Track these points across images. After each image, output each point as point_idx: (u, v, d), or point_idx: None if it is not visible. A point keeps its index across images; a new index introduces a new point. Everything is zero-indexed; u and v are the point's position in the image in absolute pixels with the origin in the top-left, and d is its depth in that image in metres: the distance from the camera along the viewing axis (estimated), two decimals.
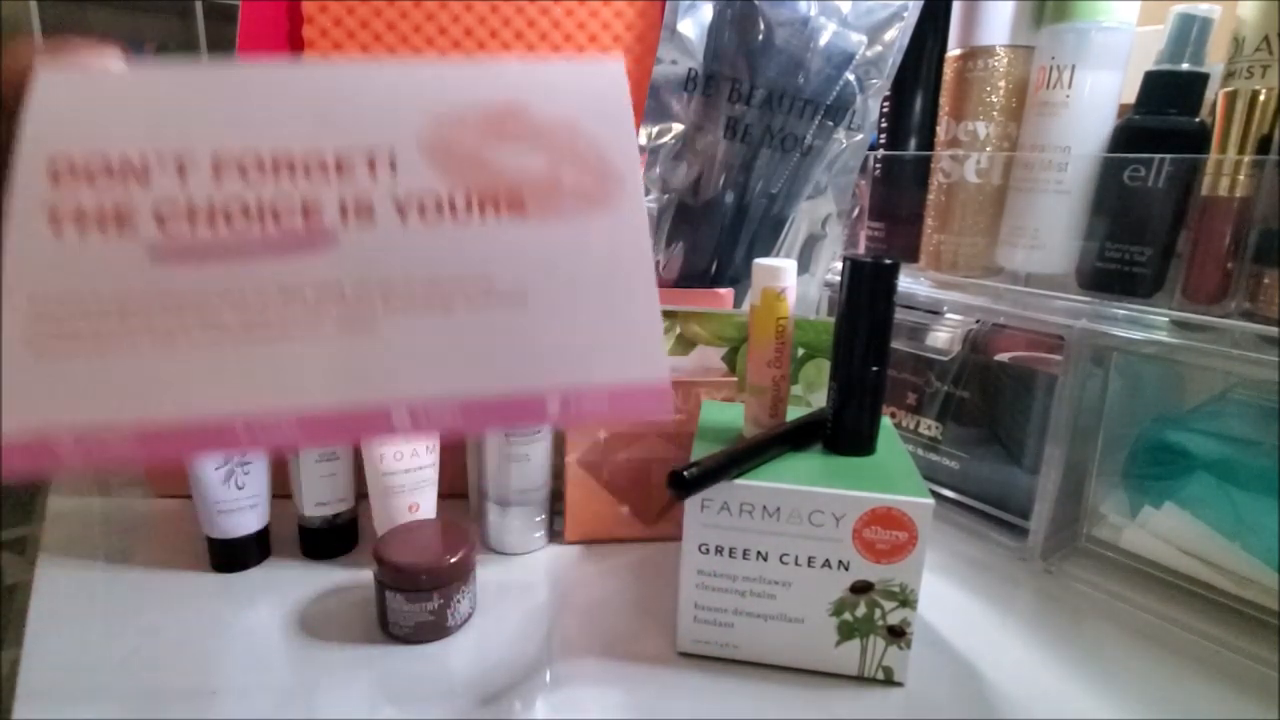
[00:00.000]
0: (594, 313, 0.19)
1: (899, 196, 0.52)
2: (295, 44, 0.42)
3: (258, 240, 0.18)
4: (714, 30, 0.46)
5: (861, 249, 0.56)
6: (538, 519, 0.42)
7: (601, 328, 0.19)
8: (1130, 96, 0.42)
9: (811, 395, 0.46)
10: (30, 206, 0.17)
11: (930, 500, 0.30)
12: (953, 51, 0.48)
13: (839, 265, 0.38)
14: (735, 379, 0.43)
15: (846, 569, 0.31)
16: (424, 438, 0.24)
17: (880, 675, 0.32)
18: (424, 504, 0.40)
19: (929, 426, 0.49)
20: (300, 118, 0.19)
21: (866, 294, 0.32)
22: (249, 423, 0.17)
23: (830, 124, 0.49)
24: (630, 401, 0.19)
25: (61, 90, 0.18)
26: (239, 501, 0.38)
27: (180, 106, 0.18)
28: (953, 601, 0.39)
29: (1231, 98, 0.37)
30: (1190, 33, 0.39)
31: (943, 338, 0.48)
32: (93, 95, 0.18)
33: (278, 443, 0.18)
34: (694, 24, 0.46)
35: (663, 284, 0.51)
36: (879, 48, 0.48)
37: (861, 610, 0.32)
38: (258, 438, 0.17)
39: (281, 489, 0.40)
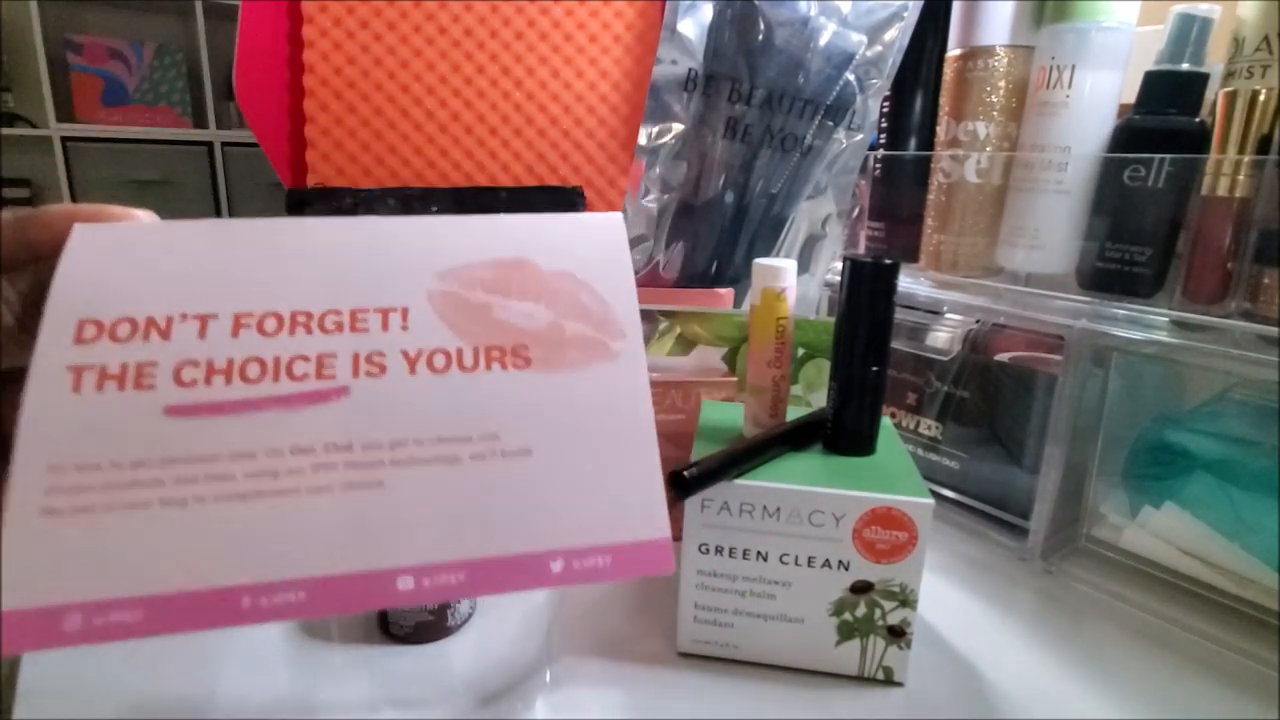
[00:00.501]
0: (596, 470, 0.20)
1: (899, 196, 0.52)
2: (295, 44, 0.42)
3: (271, 395, 0.18)
4: (714, 30, 0.46)
5: (861, 249, 0.56)
6: None
7: (603, 486, 0.19)
8: (1130, 96, 0.42)
9: (811, 395, 0.46)
10: (53, 366, 0.17)
11: (930, 500, 0.30)
12: (953, 51, 0.48)
13: (839, 265, 0.38)
14: (735, 379, 0.43)
15: (846, 569, 0.31)
16: (427, 602, 0.26)
17: (880, 675, 0.32)
18: None
19: (929, 426, 0.49)
20: (318, 276, 0.19)
21: (866, 294, 0.32)
22: (255, 592, 0.17)
23: (830, 124, 0.49)
24: (632, 558, 0.19)
25: (93, 246, 0.18)
26: None
27: (205, 266, 0.19)
28: (953, 601, 0.39)
29: (1231, 98, 0.37)
30: (1190, 33, 0.39)
31: (943, 338, 0.48)
32: (123, 253, 0.19)
33: (281, 614, 0.17)
34: (694, 24, 0.46)
35: (663, 284, 0.51)
36: (879, 48, 0.48)
37: (861, 610, 0.32)
38: (262, 609, 0.17)
39: None
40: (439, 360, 0.19)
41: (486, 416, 0.19)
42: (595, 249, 0.21)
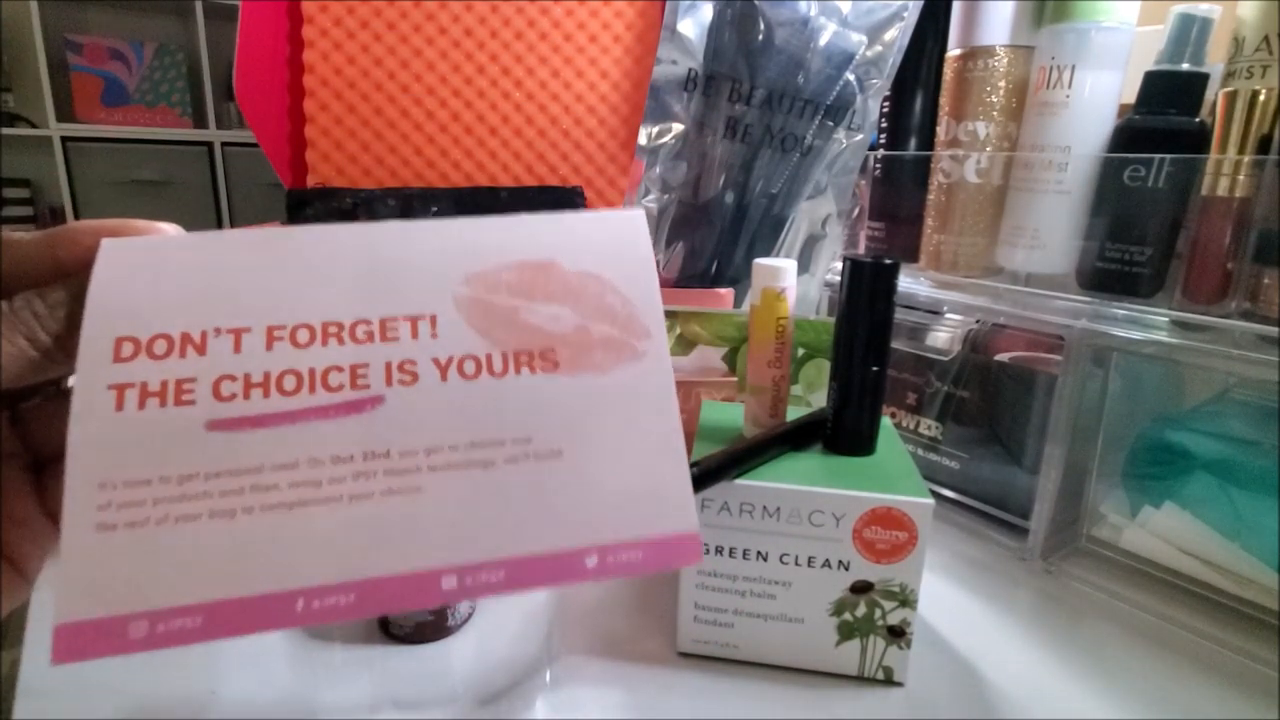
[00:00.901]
0: (626, 468, 0.20)
1: (899, 196, 0.52)
2: (295, 44, 0.42)
3: (308, 407, 0.19)
4: (714, 30, 0.46)
5: (861, 249, 0.56)
6: None
7: (633, 483, 0.20)
8: (1130, 96, 0.42)
9: (811, 395, 0.46)
10: (95, 385, 0.18)
11: (930, 500, 0.30)
12: (953, 51, 0.48)
13: (839, 265, 0.38)
14: (735, 379, 0.43)
15: (846, 569, 0.31)
16: (468, 599, 0.25)
17: (880, 675, 0.32)
18: None
19: (929, 426, 0.49)
20: (346, 286, 0.20)
21: (866, 294, 0.32)
22: (308, 595, 0.18)
23: (830, 124, 0.49)
24: (664, 552, 0.20)
25: (123, 261, 0.19)
26: None
27: (234, 279, 0.19)
28: (953, 601, 0.39)
29: (1231, 98, 0.37)
30: (1190, 33, 0.39)
31: (943, 338, 0.48)
32: (153, 268, 0.19)
33: (332, 615, 0.18)
34: (694, 24, 0.46)
35: (663, 284, 0.51)
36: (879, 48, 0.48)
37: (861, 610, 0.32)
38: (314, 611, 0.18)
39: None
40: (469, 366, 0.20)
41: (518, 421, 0.20)
42: (618, 247, 0.22)
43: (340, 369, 0.19)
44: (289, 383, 0.19)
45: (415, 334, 0.20)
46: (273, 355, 0.19)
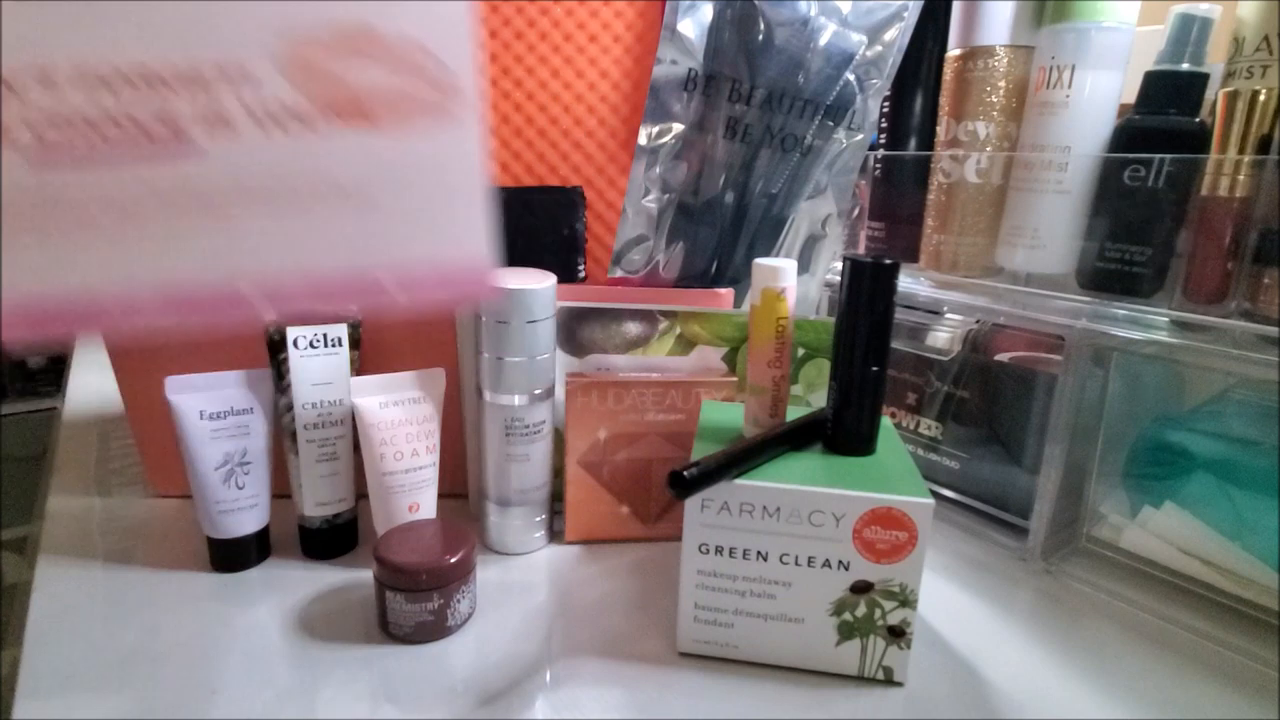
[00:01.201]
0: (429, 208, 0.24)
1: (899, 196, 0.52)
2: None
3: (129, 150, 0.21)
4: (714, 30, 0.46)
5: (861, 249, 0.56)
6: (538, 519, 0.42)
7: (433, 219, 0.24)
8: (1130, 96, 0.42)
9: (811, 395, 0.46)
10: None
11: (930, 500, 0.30)
12: (953, 51, 0.48)
13: (839, 265, 0.38)
14: (735, 379, 0.43)
15: (846, 569, 0.31)
16: (281, 312, 0.27)
17: (880, 675, 0.32)
18: (424, 504, 0.40)
19: (929, 426, 0.49)
20: (157, 34, 0.21)
21: (866, 294, 0.32)
22: (116, 300, 0.20)
23: (830, 124, 0.49)
24: (457, 281, 0.24)
25: None
26: (239, 501, 0.38)
27: (42, 23, 0.21)
28: (953, 601, 0.39)
29: (1231, 98, 0.37)
30: (1190, 33, 0.39)
31: (943, 338, 0.48)
32: None
33: (140, 320, 0.21)
34: (694, 24, 0.46)
35: (663, 284, 0.51)
36: (879, 48, 0.48)
37: (861, 610, 0.32)
38: (117, 317, 0.21)
39: (281, 489, 0.40)
40: (288, 121, 0.22)
41: (333, 172, 0.23)
42: (437, 15, 0.23)
43: (156, 116, 0.21)
44: (108, 127, 0.21)
45: (233, 86, 0.22)
46: (86, 97, 0.20)
